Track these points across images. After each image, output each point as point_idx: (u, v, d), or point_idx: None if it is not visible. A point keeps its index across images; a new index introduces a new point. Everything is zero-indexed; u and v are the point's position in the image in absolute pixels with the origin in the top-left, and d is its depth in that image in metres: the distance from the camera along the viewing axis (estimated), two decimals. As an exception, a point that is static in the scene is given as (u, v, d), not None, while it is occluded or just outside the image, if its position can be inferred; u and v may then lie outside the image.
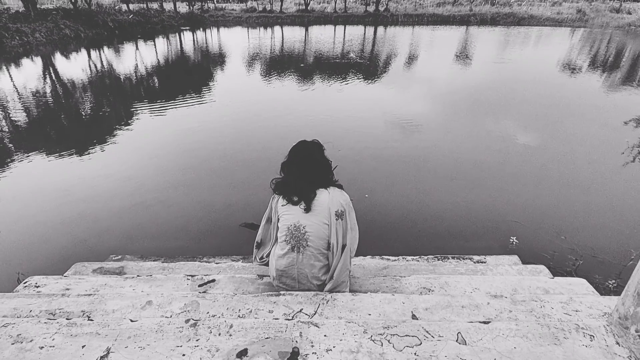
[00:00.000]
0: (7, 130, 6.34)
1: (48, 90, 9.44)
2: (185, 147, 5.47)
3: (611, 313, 1.40)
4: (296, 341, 1.31)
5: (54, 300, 1.71)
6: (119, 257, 2.84)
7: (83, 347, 1.28)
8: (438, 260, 2.75)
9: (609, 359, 1.25)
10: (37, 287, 2.06)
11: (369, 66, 12.67)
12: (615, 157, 4.97)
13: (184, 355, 1.25)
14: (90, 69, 12.46)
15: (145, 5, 32.05)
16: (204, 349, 1.27)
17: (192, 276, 2.14)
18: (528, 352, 1.26)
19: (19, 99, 8.33)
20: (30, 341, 1.31)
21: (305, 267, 1.68)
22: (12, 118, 6.92)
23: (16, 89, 9.27)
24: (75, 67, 12.76)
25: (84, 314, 1.59)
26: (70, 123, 6.96)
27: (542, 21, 31.15)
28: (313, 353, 1.26)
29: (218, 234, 3.38)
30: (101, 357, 1.24)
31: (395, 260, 2.72)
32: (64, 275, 2.33)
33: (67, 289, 1.96)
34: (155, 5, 34.27)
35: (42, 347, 1.28)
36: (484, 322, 1.40)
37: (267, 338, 1.32)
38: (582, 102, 8.08)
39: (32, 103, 8.02)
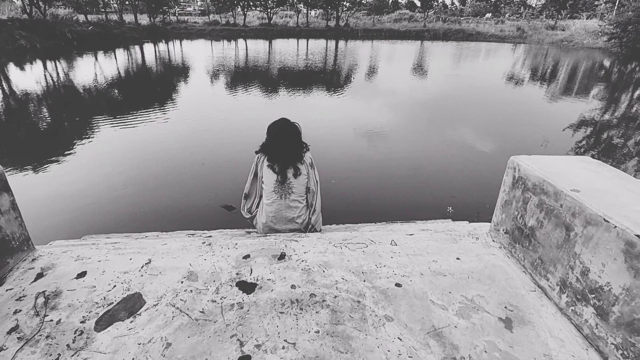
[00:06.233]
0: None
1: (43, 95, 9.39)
2: (171, 147, 5.88)
3: (490, 224, 2.11)
4: (283, 249, 1.89)
5: (86, 247, 2.17)
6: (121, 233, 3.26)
7: (130, 259, 1.79)
8: (388, 224, 3.42)
9: (486, 247, 1.95)
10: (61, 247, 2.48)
11: (334, 77, 13.52)
12: (533, 148, 5.98)
13: (205, 259, 1.79)
14: (51, 79, 12.35)
15: (104, 17, 31.47)
16: (218, 255, 1.83)
17: (192, 234, 2.65)
18: (435, 247, 1.93)
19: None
20: (89, 258, 1.80)
21: (290, 209, 2.24)
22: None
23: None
24: (34, 77, 12.58)
25: (117, 250, 2.07)
26: (69, 127, 7.11)
27: (488, 37, 34.04)
28: (295, 254, 1.85)
29: (202, 214, 3.87)
30: (145, 263, 1.76)
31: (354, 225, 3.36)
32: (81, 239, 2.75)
33: (93, 244, 2.41)
34: (114, 17, 33.72)
35: (100, 261, 1.78)
36: (410, 235, 2.07)
37: (262, 249, 1.90)
38: (518, 109, 9.31)
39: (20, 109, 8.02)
